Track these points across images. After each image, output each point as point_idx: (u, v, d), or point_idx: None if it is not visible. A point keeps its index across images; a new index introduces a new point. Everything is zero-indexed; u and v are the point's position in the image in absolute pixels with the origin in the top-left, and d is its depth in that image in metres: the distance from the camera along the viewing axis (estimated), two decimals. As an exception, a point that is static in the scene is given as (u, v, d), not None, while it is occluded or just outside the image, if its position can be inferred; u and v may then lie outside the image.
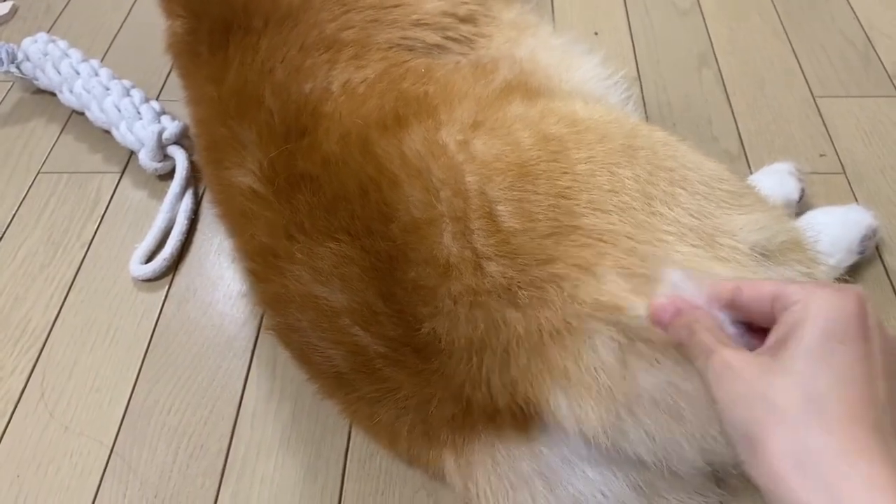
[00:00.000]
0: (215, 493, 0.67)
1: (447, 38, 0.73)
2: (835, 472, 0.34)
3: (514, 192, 0.54)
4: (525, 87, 0.69)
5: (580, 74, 0.78)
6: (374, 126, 0.60)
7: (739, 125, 0.95)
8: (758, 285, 0.43)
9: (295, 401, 0.72)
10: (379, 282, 0.54)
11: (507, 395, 0.52)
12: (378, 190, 0.56)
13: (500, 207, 0.53)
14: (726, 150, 0.92)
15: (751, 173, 0.89)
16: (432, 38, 0.71)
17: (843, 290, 0.39)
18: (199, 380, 0.75)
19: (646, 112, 0.97)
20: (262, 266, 0.62)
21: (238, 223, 0.66)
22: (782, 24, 1.08)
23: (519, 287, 0.51)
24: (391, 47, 0.69)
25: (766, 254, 0.56)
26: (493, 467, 0.55)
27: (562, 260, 0.51)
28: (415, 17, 0.71)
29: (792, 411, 0.36)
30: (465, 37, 0.74)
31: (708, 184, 0.58)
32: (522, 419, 0.53)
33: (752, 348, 0.42)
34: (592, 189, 0.54)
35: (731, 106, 0.97)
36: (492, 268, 0.52)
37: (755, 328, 0.44)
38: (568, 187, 0.54)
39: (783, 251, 0.58)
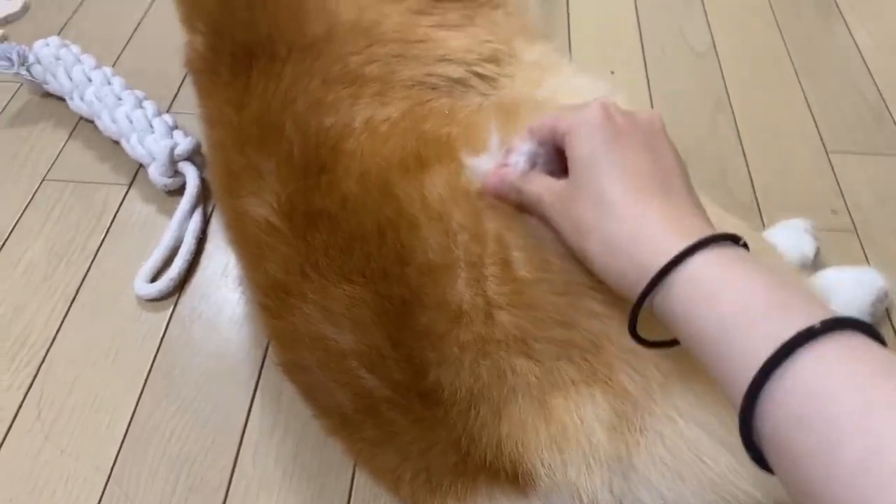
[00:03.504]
0: (214, 528, 0.66)
1: (471, 75, 0.72)
2: (629, 246, 0.43)
3: (531, 240, 0.53)
4: None
5: None
6: (395, 167, 0.59)
7: (753, 175, 0.95)
8: (540, 127, 0.51)
9: (299, 436, 0.71)
10: (390, 326, 0.54)
11: (496, 452, 0.51)
12: (396, 232, 0.55)
13: (515, 254, 0.53)
14: (740, 201, 0.92)
15: (763, 226, 0.89)
16: (456, 75, 0.70)
17: (590, 109, 0.48)
18: (202, 407, 0.74)
19: (660, 155, 0.97)
20: (273, 301, 0.62)
21: (252, 254, 0.65)
22: (796, 73, 1.09)
23: (535, 340, 0.51)
24: (414, 85, 0.68)
25: None
26: None
27: (577, 329, 0.50)
28: (440, 52, 0.71)
29: (592, 221, 0.45)
30: (488, 76, 0.74)
31: None
32: (516, 476, 0.53)
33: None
34: None
35: (744, 154, 0.98)
36: (503, 317, 0.51)
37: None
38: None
39: None
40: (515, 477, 0.52)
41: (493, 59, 0.75)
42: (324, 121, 0.63)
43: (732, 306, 0.37)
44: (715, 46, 1.12)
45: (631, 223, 0.43)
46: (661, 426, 0.49)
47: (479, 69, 0.73)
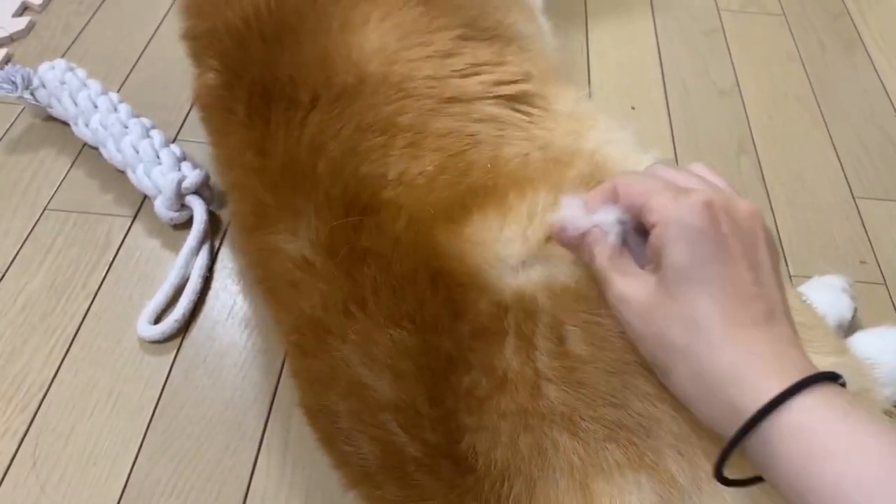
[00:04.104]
0: None
1: (507, 127, 0.69)
2: (723, 380, 0.39)
3: (588, 316, 0.50)
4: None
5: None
6: (443, 218, 0.56)
7: (778, 221, 0.92)
8: (629, 193, 0.45)
9: (306, 494, 0.68)
10: (431, 381, 0.51)
11: None
12: (448, 287, 0.52)
13: (569, 328, 0.50)
14: (765, 248, 0.89)
15: (789, 274, 0.86)
16: (492, 129, 0.67)
17: (692, 205, 0.41)
18: (206, 459, 0.70)
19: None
20: (310, 339, 0.57)
21: (283, 293, 0.61)
22: (822, 114, 1.06)
23: (582, 419, 0.48)
24: (449, 133, 0.65)
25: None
26: None
27: (627, 410, 0.47)
28: (475, 116, 0.68)
29: (681, 343, 0.41)
30: (526, 127, 0.70)
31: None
32: None
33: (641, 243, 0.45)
34: None
35: (769, 198, 0.95)
36: (551, 391, 0.48)
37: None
38: None
39: (856, 401, 0.54)
40: None
41: (529, 111, 0.71)
42: (358, 169, 0.60)
43: (846, 468, 0.36)
44: (739, 85, 1.09)
45: (729, 358, 0.40)
46: None
47: (515, 120, 0.69)
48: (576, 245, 0.49)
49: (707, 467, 0.46)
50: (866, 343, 0.72)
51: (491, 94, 0.67)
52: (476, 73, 0.67)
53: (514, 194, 0.58)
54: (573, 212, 0.49)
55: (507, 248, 0.54)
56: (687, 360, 0.41)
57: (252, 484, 0.69)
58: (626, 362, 0.49)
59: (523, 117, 0.68)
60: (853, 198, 0.95)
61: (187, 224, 0.87)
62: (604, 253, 0.46)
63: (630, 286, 0.44)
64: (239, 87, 0.67)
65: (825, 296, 0.77)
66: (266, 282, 0.65)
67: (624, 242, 0.47)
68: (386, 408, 0.52)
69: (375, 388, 0.53)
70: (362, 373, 0.53)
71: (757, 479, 0.42)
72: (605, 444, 0.47)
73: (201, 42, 0.72)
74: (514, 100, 0.68)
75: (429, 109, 0.64)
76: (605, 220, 0.47)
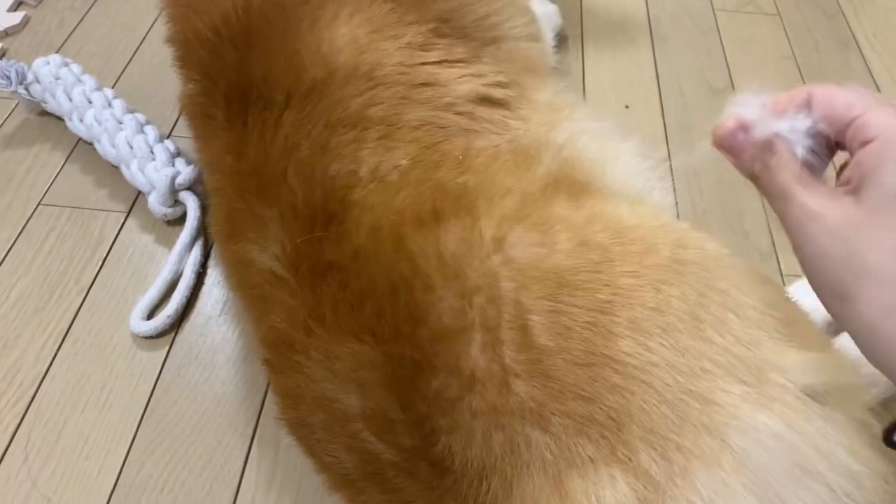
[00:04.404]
0: (206, 589, 0.63)
1: (481, 119, 0.70)
2: None
3: (550, 303, 0.51)
4: (570, 182, 0.65)
5: (622, 164, 0.75)
6: (409, 221, 0.56)
7: (771, 221, 0.92)
8: (832, 103, 0.40)
9: (297, 490, 0.68)
10: (399, 388, 0.51)
11: None
12: (410, 291, 0.52)
13: (534, 318, 0.50)
14: (757, 247, 0.89)
15: (781, 273, 0.87)
16: (465, 122, 0.67)
17: None
18: (197, 455, 0.70)
19: (675, 197, 0.94)
20: (277, 357, 0.59)
21: (255, 306, 0.62)
22: (816, 114, 1.06)
23: (552, 413, 0.48)
24: (422, 125, 0.65)
25: (817, 397, 0.52)
26: None
27: (597, 404, 0.48)
28: (447, 100, 0.68)
29: (885, 270, 0.36)
30: (498, 119, 0.71)
31: (760, 310, 0.54)
32: None
33: (821, 163, 0.40)
34: (635, 306, 0.51)
35: (763, 202, 0.95)
36: (520, 387, 0.49)
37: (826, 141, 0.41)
38: (608, 301, 0.51)
39: (835, 396, 0.54)
40: None
41: (505, 104, 0.72)
42: (328, 168, 0.60)
43: None
44: (733, 84, 1.09)
45: None
46: None
47: (488, 113, 0.70)
48: (743, 150, 0.43)
49: (681, 461, 0.46)
50: (853, 342, 0.72)
51: (465, 83, 0.67)
52: (450, 66, 0.67)
53: (481, 195, 0.58)
54: (755, 111, 0.43)
55: (478, 241, 0.54)
56: (884, 290, 0.36)
57: (243, 479, 0.69)
58: (594, 353, 0.49)
59: (498, 108, 0.68)
60: (845, 198, 0.95)
61: (181, 220, 0.87)
62: (789, 166, 0.40)
63: (821, 202, 0.39)
64: (216, 93, 0.68)
65: (814, 297, 0.77)
66: (240, 291, 0.66)
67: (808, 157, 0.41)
68: (356, 418, 0.53)
69: (342, 401, 0.53)
70: (327, 387, 0.54)
71: None
72: (577, 438, 0.48)
73: (182, 54, 0.72)
74: (489, 88, 0.68)
75: (400, 97, 0.64)
76: (795, 127, 0.41)
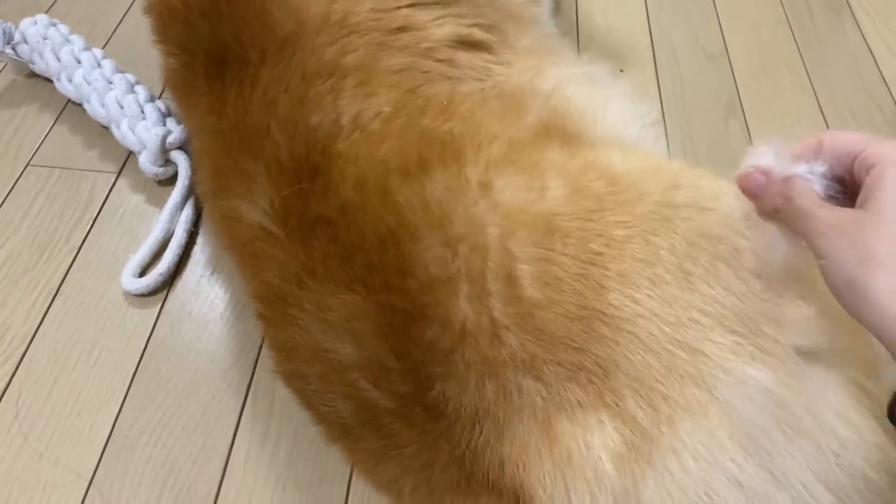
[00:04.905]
0: (201, 541, 0.62)
1: (462, 65, 0.68)
2: None
3: (539, 251, 0.50)
4: (563, 132, 0.64)
5: (613, 111, 0.73)
6: (395, 171, 0.56)
7: (765, 182, 0.92)
8: (838, 141, 0.46)
9: (292, 443, 0.68)
10: (393, 338, 0.51)
11: (499, 472, 0.49)
12: (397, 243, 0.52)
13: (522, 268, 0.50)
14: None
15: (775, 235, 0.86)
16: (446, 68, 0.66)
17: None
18: (191, 411, 0.70)
19: (668, 140, 0.94)
20: (271, 311, 0.59)
21: (247, 262, 0.62)
22: (810, 79, 1.06)
23: (544, 363, 0.48)
24: (403, 69, 0.64)
25: (812, 355, 0.51)
26: None
27: (586, 353, 0.48)
28: (425, 45, 0.67)
29: (890, 257, 0.40)
30: (481, 66, 0.70)
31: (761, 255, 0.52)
32: (518, 499, 0.50)
33: (841, 204, 0.45)
34: (625, 258, 0.51)
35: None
36: (511, 339, 0.49)
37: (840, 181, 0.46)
38: (600, 253, 0.50)
39: (834, 357, 0.52)
40: (518, 500, 0.49)
41: (485, 48, 0.71)
42: (309, 120, 0.59)
43: None
44: (727, 49, 1.09)
45: None
46: (668, 459, 0.46)
47: (468, 58, 0.68)
48: (765, 192, 0.47)
49: (667, 410, 0.46)
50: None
51: (443, 25, 0.66)
52: (425, 8, 0.66)
53: (468, 143, 0.57)
54: (774, 160, 0.47)
55: (464, 187, 0.54)
56: (893, 274, 0.40)
57: (238, 433, 0.68)
58: (585, 307, 0.48)
59: (479, 52, 0.67)
60: (839, 160, 0.95)
61: (172, 180, 0.86)
62: (808, 194, 0.45)
63: (835, 212, 0.44)
64: (195, 63, 0.67)
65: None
66: (231, 249, 0.65)
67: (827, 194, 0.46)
68: (352, 367, 0.53)
69: (338, 351, 0.53)
70: (322, 339, 0.54)
71: None
72: (567, 384, 0.48)
73: (156, 24, 0.72)
74: (469, 28, 0.67)
75: (377, 44, 0.63)
76: (813, 171, 0.46)
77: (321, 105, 0.60)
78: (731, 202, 0.53)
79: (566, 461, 0.47)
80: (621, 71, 1.05)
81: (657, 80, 1.04)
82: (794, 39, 1.11)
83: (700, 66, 1.07)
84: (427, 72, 0.65)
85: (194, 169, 0.82)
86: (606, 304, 0.49)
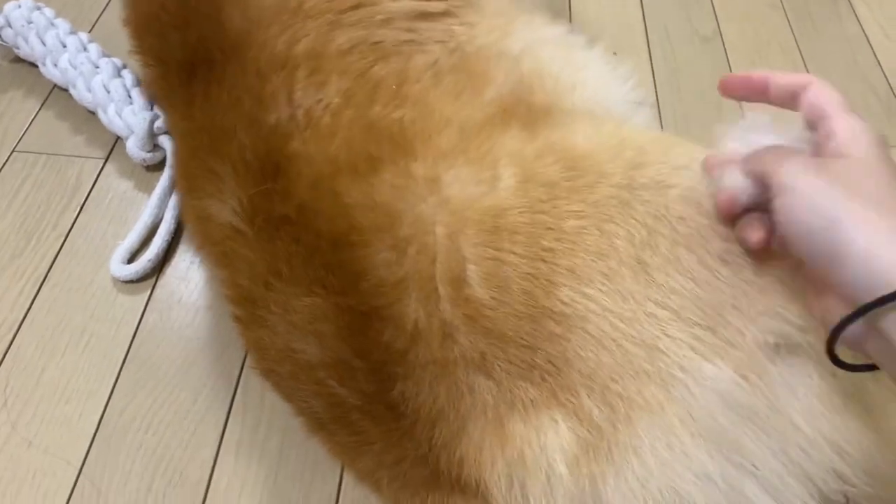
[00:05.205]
0: (193, 528, 0.62)
1: (420, 34, 0.65)
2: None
3: (487, 250, 0.49)
4: (527, 107, 0.61)
5: (590, 75, 0.69)
6: (344, 170, 0.55)
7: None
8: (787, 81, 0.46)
9: (283, 433, 0.67)
10: (353, 340, 0.51)
11: (459, 471, 0.49)
12: (350, 246, 0.51)
13: (470, 268, 0.49)
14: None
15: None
16: (404, 34, 0.63)
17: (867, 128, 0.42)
18: (182, 398, 0.69)
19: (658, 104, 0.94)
20: (242, 312, 0.59)
21: (221, 262, 0.61)
22: (804, 62, 1.05)
23: (495, 360, 0.47)
24: (352, 47, 0.62)
25: (783, 348, 0.48)
26: None
27: (537, 351, 0.47)
28: (380, 17, 0.64)
29: (878, 196, 0.38)
30: (442, 28, 0.66)
31: (732, 237, 0.48)
32: (482, 497, 0.49)
33: None
34: (577, 252, 0.48)
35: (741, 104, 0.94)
36: (461, 339, 0.48)
37: None
38: (550, 249, 0.48)
39: (809, 348, 0.48)
40: (484, 499, 0.49)
41: (447, 14, 0.67)
42: (268, 118, 0.58)
43: None
44: (721, 31, 1.08)
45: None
46: (629, 458, 0.45)
47: (428, 24, 0.66)
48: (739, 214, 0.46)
49: (623, 408, 0.45)
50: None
51: (403, 9, 0.63)
52: None
53: (418, 133, 0.55)
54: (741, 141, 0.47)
55: (411, 185, 0.52)
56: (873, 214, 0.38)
57: (229, 421, 0.68)
58: (534, 306, 0.47)
59: (439, 20, 0.64)
60: (834, 143, 0.95)
61: (160, 165, 0.85)
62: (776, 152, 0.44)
63: (805, 156, 0.43)
64: (170, 73, 0.67)
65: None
66: (204, 249, 0.65)
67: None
68: (319, 367, 0.53)
69: (305, 351, 0.53)
70: (289, 339, 0.54)
71: (871, 367, 0.40)
72: (519, 382, 0.47)
73: (134, 36, 0.72)
74: (426, 2, 0.65)
75: (328, 24, 0.61)
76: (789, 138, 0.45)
77: (277, 102, 0.59)
78: (697, 174, 0.50)
79: (519, 462, 0.47)
80: (615, 54, 1.04)
81: (651, 62, 1.04)
82: (789, 22, 1.10)
83: (693, 48, 1.06)
84: (380, 42, 0.62)
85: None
86: (556, 301, 0.47)
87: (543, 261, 0.48)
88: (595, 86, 0.68)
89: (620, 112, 0.73)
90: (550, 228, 0.49)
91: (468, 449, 0.48)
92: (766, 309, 0.47)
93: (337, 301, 0.51)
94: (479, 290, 0.48)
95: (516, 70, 0.63)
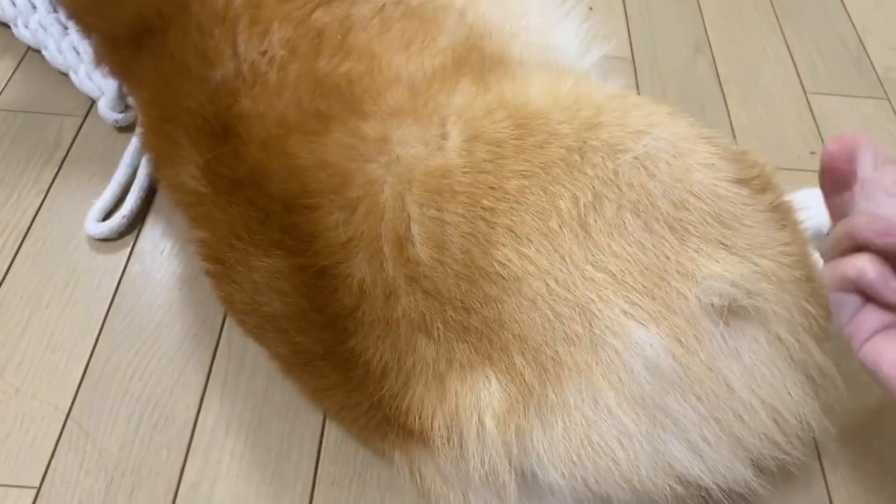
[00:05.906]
0: (181, 466, 0.63)
1: None
2: None
3: (431, 211, 0.49)
4: (480, 58, 0.60)
5: (533, 22, 0.68)
6: (294, 130, 0.55)
7: (732, 118, 0.93)
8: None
9: (268, 375, 0.68)
10: (310, 296, 0.53)
11: (408, 420, 0.51)
12: (302, 209, 0.52)
13: (414, 228, 0.49)
14: (714, 123, 0.90)
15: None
16: None
17: None
18: (166, 346, 0.70)
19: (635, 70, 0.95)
20: (212, 268, 0.60)
21: (191, 223, 0.63)
22: (776, 15, 1.07)
23: (434, 321, 0.49)
24: None
25: (726, 312, 0.47)
26: (434, 468, 0.53)
27: (474, 313, 0.48)
28: None
29: None
30: None
31: (681, 203, 0.48)
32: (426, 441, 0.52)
33: None
34: (518, 211, 0.48)
35: (724, 97, 0.96)
36: (403, 299, 0.49)
37: None
38: (491, 209, 0.48)
39: (758, 313, 0.48)
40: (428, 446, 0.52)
41: None
42: (213, 76, 0.58)
43: None
44: (695, -14, 1.09)
45: None
46: (555, 416, 0.47)
47: None
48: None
49: (553, 369, 0.46)
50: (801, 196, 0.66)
51: None
52: None
53: (366, 89, 0.55)
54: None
55: (360, 145, 0.53)
56: None
57: (214, 365, 0.69)
58: (470, 265, 0.48)
59: None
60: (805, 93, 0.97)
61: (133, 126, 0.85)
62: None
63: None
64: (119, 47, 0.68)
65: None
66: (179, 210, 0.66)
67: None
68: (282, 318, 0.55)
69: (270, 304, 0.55)
70: (254, 294, 0.56)
71: None
72: (456, 342, 0.48)
73: (76, 20, 0.75)
74: None
75: None
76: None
77: (221, 56, 0.58)
78: (654, 140, 0.49)
79: (455, 417, 0.49)
80: (590, 9, 1.05)
81: (626, 17, 1.05)
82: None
83: (668, 3, 1.07)
84: None
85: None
86: (493, 261, 0.48)
87: (483, 219, 0.48)
88: (545, 35, 0.67)
89: (584, 66, 0.73)
90: (493, 188, 0.49)
91: (413, 401, 0.50)
92: (712, 273, 0.47)
93: (293, 262, 0.53)
94: (420, 251, 0.49)
95: (464, 21, 0.63)
